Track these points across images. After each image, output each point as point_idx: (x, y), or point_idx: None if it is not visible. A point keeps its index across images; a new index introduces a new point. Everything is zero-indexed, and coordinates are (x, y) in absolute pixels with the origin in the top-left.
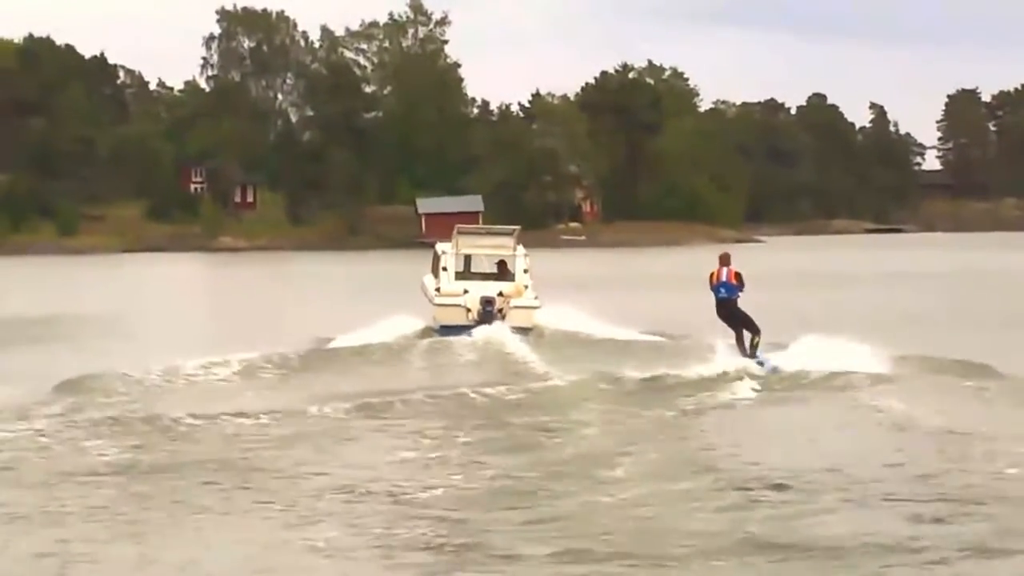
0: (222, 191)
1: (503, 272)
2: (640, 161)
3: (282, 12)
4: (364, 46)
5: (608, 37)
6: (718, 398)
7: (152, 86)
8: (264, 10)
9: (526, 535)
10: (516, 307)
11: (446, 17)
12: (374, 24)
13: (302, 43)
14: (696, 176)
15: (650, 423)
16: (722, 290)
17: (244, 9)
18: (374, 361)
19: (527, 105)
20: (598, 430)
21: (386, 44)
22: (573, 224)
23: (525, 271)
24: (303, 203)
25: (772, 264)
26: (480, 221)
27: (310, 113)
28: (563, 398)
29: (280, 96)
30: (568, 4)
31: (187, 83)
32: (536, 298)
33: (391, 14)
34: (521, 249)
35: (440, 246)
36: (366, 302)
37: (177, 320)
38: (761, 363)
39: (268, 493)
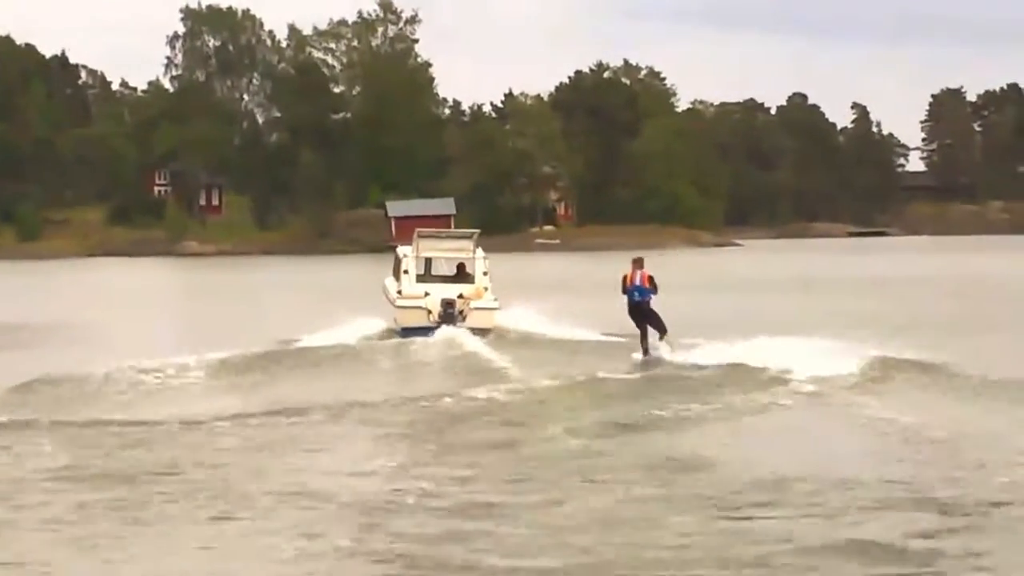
0: (187, 194)
1: (463, 274)
2: (616, 162)
3: (248, 11)
4: (332, 45)
5: (583, 36)
6: (696, 400)
7: (115, 86)
8: (229, 8)
9: (498, 549)
10: (476, 308)
11: (416, 16)
12: (343, 23)
13: (268, 42)
14: (674, 178)
15: (627, 427)
16: (635, 293)
17: (209, 7)
18: (337, 363)
19: (500, 105)
20: (573, 435)
21: (355, 43)
22: (548, 227)
23: (484, 273)
24: (270, 207)
25: (748, 268)
26: (452, 224)
27: (277, 114)
28: (534, 402)
29: (246, 97)
30: (543, 3)
31: (151, 83)
32: (495, 300)
33: (360, 12)
34: (480, 252)
35: (401, 249)
36: (330, 305)
37: (136, 325)
38: (663, 359)
39: (227, 503)
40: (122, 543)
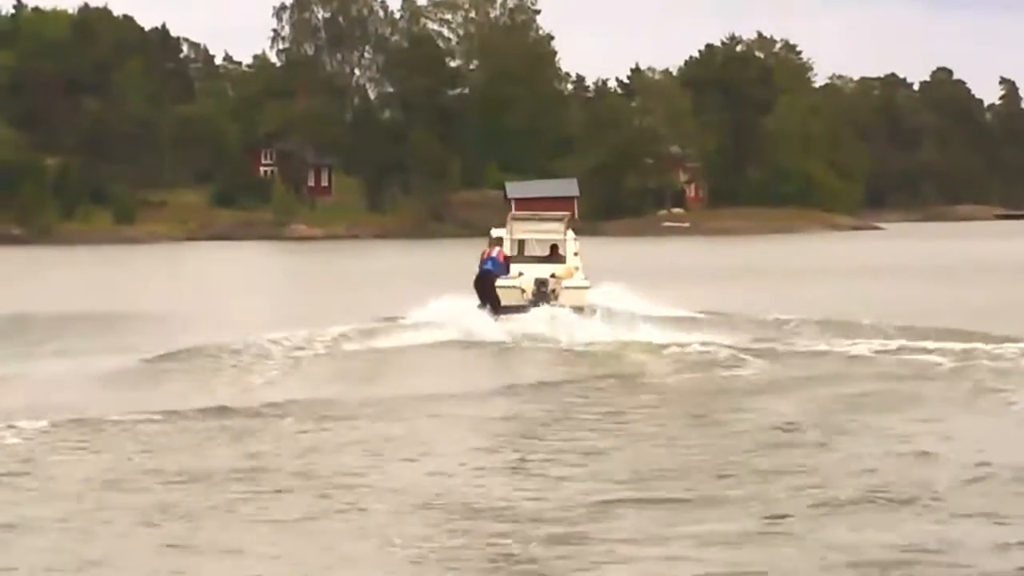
0: (294, 175)
1: (555, 255)
2: (749, 142)
3: None
4: (448, 16)
5: (714, 7)
6: (823, 390)
7: (218, 61)
8: None
9: (622, 556)
10: (568, 287)
11: None
12: None
13: (381, 13)
14: (810, 158)
15: (766, 421)
16: (488, 263)
17: None
18: (436, 346)
19: (626, 81)
20: (693, 431)
21: (472, 14)
22: (676, 210)
23: (575, 254)
24: (382, 188)
25: (867, 253)
26: (576, 206)
27: (390, 90)
28: (654, 384)
29: (357, 71)
30: None
31: (256, 58)
32: (586, 278)
33: None
34: (571, 234)
35: (495, 232)
36: (433, 286)
37: (234, 311)
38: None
39: (323, 501)
40: (211, 544)
